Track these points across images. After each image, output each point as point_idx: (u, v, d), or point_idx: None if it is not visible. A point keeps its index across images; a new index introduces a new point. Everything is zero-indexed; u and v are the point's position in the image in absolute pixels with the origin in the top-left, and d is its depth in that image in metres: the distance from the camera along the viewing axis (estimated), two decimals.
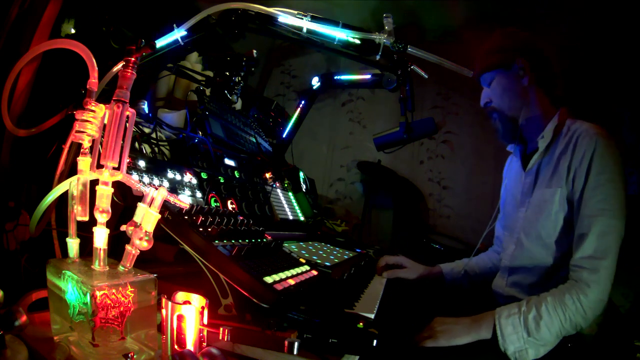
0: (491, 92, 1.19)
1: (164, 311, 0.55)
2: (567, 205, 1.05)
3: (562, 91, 1.17)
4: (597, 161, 0.99)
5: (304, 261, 0.93)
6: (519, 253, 1.17)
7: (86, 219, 0.65)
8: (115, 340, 0.55)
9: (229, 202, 1.12)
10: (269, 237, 0.92)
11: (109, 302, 0.54)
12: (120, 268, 0.61)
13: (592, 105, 2.62)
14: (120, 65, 0.72)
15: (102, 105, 0.65)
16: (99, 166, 0.63)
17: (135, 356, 0.53)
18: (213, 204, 1.06)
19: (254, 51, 1.56)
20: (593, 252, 0.96)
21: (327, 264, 1.08)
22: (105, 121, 0.64)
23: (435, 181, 3.01)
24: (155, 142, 1.06)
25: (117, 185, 0.66)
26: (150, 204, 0.62)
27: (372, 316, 0.81)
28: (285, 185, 1.69)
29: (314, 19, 1.08)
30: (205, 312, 0.56)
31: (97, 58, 0.68)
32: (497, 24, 2.70)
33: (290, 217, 1.53)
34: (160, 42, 1.03)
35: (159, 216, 0.62)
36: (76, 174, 0.65)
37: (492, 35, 1.21)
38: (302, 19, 1.07)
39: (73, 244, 0.66)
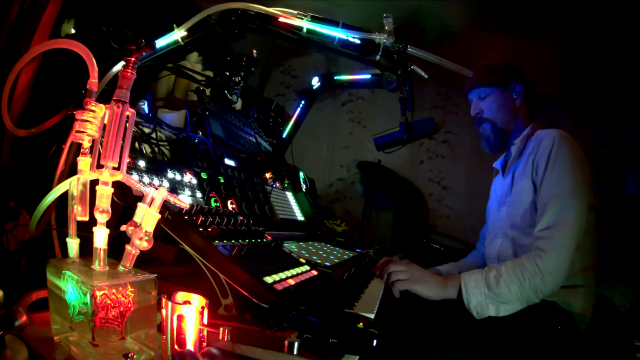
0: (484, 105, 1.31)
1: (164, 311, 0.55)
2: (533, 193, 1.16)
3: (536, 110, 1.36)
4: (554, 152, 1.11)
5: (304, 261, 0.93)
6: (507, 244, 1.24)
7: (86, 219, 0.65)
8: (115, 340, 0.55)
9: (229, 202, 1.12)
10: (269, 237, 0.92)
11: (109, 302, 0.54)
12: (120, 268, 0.61)
13: (592, 105, 2.63)
14: (120, 65, 0.72)
15: (102, 105, 0.65)
16: (99, 166, 0.63)
17: (135, 356, 0.53)
18: (213, 204, 1.06)
19: (254, 51, 1.56)
20: (548, 224, 1.06)
21: (327, 264, 1.08)
22: (105, 121, 0.64)
23: (435, 181, 3.01)
24: (155, 142, 1.06)
25: (117, 185, 0.66)
26: (150, 204, 0.62)
27: (372, 316, 0.81)
28: (285, 185, 1.69)
29: (314, 19, 1.08)
30: (205, 312, 0.56)
31: (97, 58, 0.68)
32: (497, 24, 2.71)
33: (290, 217, 1.53)
34: (160, 42, 1.03)
35: (159, 216, 0.62)
36: (76, 174, 0.65)
37: (489, 54, 1.36)
38: (302, 19, 1.07)
39: (73, 244, 0.66)
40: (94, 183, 0.63)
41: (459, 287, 1.06)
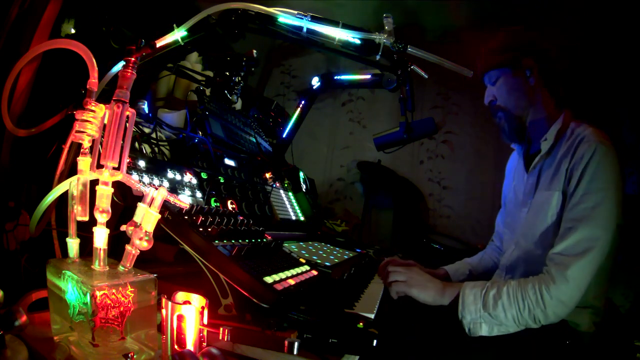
0: (496, 91, 1.18)
1: (164, 311, 0.55)
2: (562, 208, 1.04)
3: (565, 92, 1.17)
4: (592, 167, 0.98)
5: (304, 261, 0.93)
6: (517, 254, 1.18)
7: (86, 219, 0.65)
8: (115, 340, 0.55)
9: (229, 202, 1.12)
10: (269, 237, 0.92)
11: (109, 302, 0.54)
12: (120, 268, 0.61)
13: (593, 105, 2.63)
14: (120, 65, 0.72)
15: (102, 105, 0.65)
16: (99, 166, 0.63)
17: (135, 356, 0.53)
18: (213, 204, 1.06)
19: (254, 51, 1.56)
20: (567, 251, 0.96)
21: (327, 264, 1.08)
22: (105, 121, 0.64)
23: (435, 181, 3.01)
24: (155, 142, 1.06)
25: (117, 185, 0.66)
26: (150, 204, 0.62)
27: (372, 316, 0.81)
28: (285, 185, 1.69)
29: (314, 19, 1.08)
30: (205, 312, 0.56)
31: (97, 58, 0.68)
32: (497, 24, 2.71)
33: (290, 217, 1.53)
34: (160, 42, 1.03)
35: (159, 216, 0.62)
36: (76, 174, 0.65)
37: (497, 33, 1.19)
38: (302, 19, 1.07)
39: (73, 244, 0.66)
40: (94, 183, 0.63)
41: (456, 296, 1.01)
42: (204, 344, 0.55)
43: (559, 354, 0.99)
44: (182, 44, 1.04)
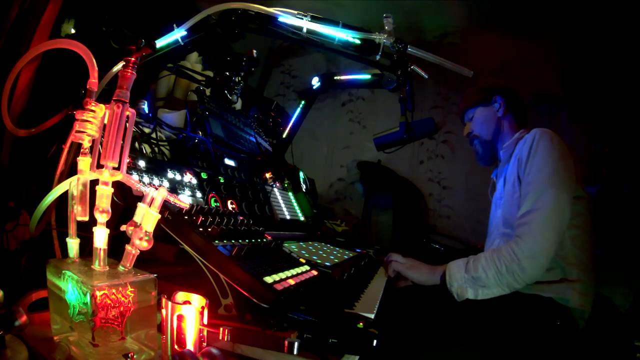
0: (473, 124, 1.42)
1: (164, 311, 0.55)
2: (520, 187, 1.18)
3: (526, 121, 1.39)
4: (534, 146, 1.15)
5: (304, 261, 0.93)
6: (500, 241, 1.25)
7: (86, 219, 0.65)
8: (115, 340, 0.55)
9: (229, 202, 1.12)
10: (269, 237, 0.92)
11: (109, 302, 0.54)
12: (120, 268, 0.61)
13: (592, 105, 2.63)
14: (120, 65, 0.72)
15: (102, 105, 0.65)
16: (99, 166, 0.63)
17: (135, 356, 0.53)
18: (213, 204, 1.06)
19: (254, 51, 1.56)
20: (525, 211, 1.09)
21: (327, 264, 1.08)
22: (105, 121, 0.64)
23: (435, 181, 3.01)
24: (155, 142, 1.06)
25: (117, 185, 0.66)
26: (150, 204, 0.62)
27: (372, 316, 0.81)
28: (285, 185, 1.69)
29: (314, 19, 1.08)
30: (205, 312, 0.56)
31: (97, 58, 0.68)
32: (497, 24, 2.71)
33: (290, 217, 1.53)
34: (160, 42, 1.03)
35: (159, 216, 0.62)
36: (76, 174, 0.65)
37: (476, 83, 1.45)
38: (302, 19, 1.07)
39: (73, 244, 0.66)
40: (94, 183, 0.63)
41: (444, 273, 1.14)
42: (204, 344, 0.55)
43: (551, 337, 1.02)
44: (182, 44, 1.04)
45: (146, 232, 0.61)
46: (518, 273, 1.03)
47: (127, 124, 0.65)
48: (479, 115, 1.41)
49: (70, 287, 0.56)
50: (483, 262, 1.08)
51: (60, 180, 0.75)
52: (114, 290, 0.54)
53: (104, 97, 0.71)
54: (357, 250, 1.61)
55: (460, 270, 1.11)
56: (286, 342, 0.53)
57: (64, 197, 0.68)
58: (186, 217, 0.73)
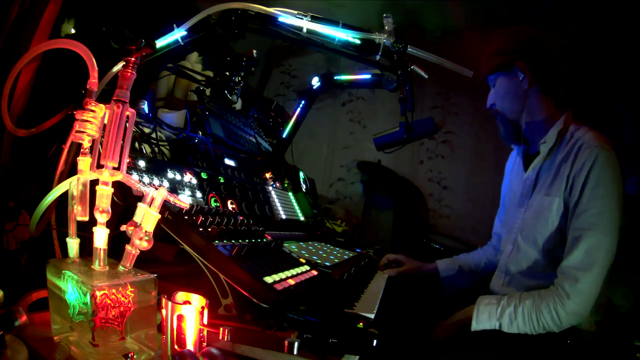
0: (495, 95, 1.19)
1: (164, 311, 0.55)
2: (563, 214, 1.05)
3: (566, 93, 1.15)
4: (595, 174, 0.98)
5: (304, 261, 0.93)
6: (516, 254, 1.17)
7: (86, 219, 0.65)
8: (115, 340, 0.55)
9: (229, 202, 1.12)
10: (269, 237, 0.92)
11: (109, 302, 0.54)
12: (120, 268, 0.61)
13: (593, 105, 2.62)
14: (120, 65, 0.72)
15: (102, 105, 0.65)
16: (99, 166, 0.63)
17: (135, 356, 0.53)
18: (213, 204, 1.06)
19: (254, 51, 1.56)
20: (578, 263, 0.97)
21: (327, 264, 1.08)
22: (105, 121, 0.64)
23: (435, 181, 3.01)
24: (155, 142, 1.06)
25: (117, 185, 0.66)
26: (150, 204, 0.62)
27: (372, 316, 0.81)
28: (285, 185, 1.69)
29: (314, 19, 1.08)
30: (205, 312, 0.56)
31: (97, 58, 0.68)
32: (497, 24, 2.71)
33: (290, 217, 1.53)
34: (160, 42, 1.03)
35: (159, 216, 0.62)
36: (76, 174, 0.65)
37: (496, 34, 1.19)
38: (302, 19, 1.07)
39: (73, 244, 0.66)
40: (94, 183, 0.63)
41: (470, 309, 1.04)
42: (204, 344, 0.55)
43: (561, 354, 0.99)
44: (182, 44, 1.04)
45: (146, 232, 0.61)
46: (552, 330, 0.97)
47: (127, 124, 0.65)
48: (500, 86, 1.16)
49: (70, 287, 0.56)
50: (520, 321, 0.98)
51: (60, 180, 0.75)
52: (114, 290, 0.54)
53: (104, 97, 0.71)
54: (357, 250, 1.61)
55: (492, 319, 1.01)
56: (286, 342, 0.52)
57: (64, 197, 0.68)
58: (186, 217, 0.73)
